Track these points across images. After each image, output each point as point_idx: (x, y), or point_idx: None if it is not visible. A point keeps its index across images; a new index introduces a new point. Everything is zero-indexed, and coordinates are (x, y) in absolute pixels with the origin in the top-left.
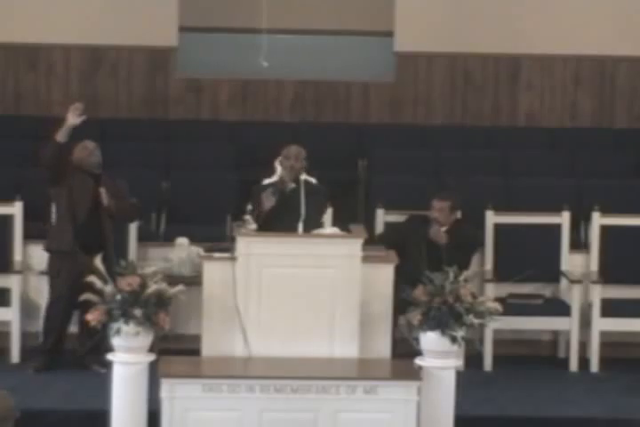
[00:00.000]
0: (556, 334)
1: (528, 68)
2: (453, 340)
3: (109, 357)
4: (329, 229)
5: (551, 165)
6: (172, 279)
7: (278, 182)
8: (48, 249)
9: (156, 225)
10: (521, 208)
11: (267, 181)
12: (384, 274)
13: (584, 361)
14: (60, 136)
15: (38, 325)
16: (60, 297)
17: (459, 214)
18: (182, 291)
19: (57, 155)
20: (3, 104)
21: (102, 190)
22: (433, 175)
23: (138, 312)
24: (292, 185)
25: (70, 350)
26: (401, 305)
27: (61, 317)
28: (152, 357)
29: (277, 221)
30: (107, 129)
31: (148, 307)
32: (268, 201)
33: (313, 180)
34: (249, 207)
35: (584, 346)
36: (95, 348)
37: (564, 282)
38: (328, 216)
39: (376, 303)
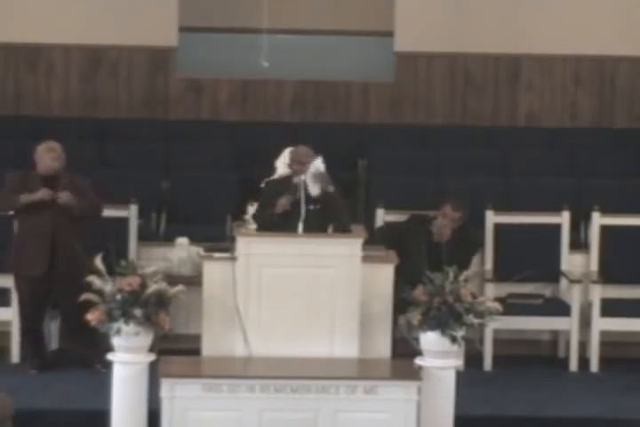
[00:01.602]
0: (555, 333)
1: (528, 68)
2: (453, 340)
3: (109, 357)
4: (329, 229)
5: (551, 165)
6: (172, 279)
7: (284, 179)
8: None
9: (156, 225)
10: (521, 208)
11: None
12: (384, 274)
13: (584, 361)
14: (24, 199)
15: None
16: (23, 298)
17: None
18: (182, 291)
19: (8, 209)
20: (3, 104)
21: (47, 190)
22: (433, 175)
23: (138, 312)
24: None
25: (64, 350)
26: (401, 305)
27: (30, 317)
28: (152, 357)
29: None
30: (107, 129)
31: (148, 307)
32: (281, 206)
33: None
34: (255, 205)
35: (584, 346)
36: (91, 345)
37: (563, 282)
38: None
39: (376, 303)
